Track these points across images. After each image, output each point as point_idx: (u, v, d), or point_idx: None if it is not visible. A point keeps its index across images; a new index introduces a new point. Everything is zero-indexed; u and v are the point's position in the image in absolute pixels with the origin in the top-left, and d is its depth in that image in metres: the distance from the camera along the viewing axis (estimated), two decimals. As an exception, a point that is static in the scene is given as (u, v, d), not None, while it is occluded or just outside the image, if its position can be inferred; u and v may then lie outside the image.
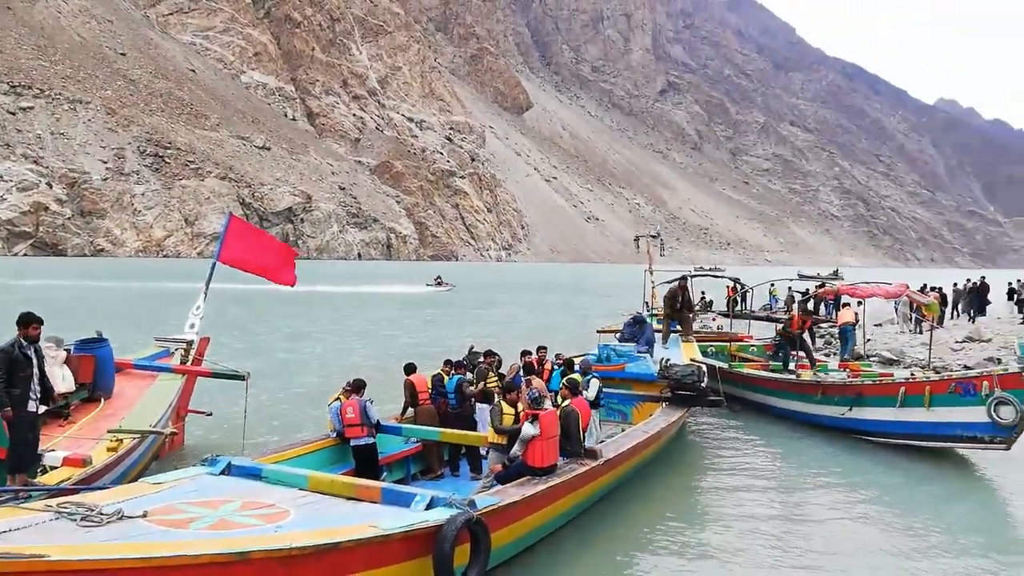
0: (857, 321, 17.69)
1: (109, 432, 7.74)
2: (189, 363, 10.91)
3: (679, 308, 16.84)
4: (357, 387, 8.64)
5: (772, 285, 30.50)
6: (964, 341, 20.87)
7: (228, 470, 6.56)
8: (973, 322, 26.65)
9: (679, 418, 11.01)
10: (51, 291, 44.02)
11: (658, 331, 16.19)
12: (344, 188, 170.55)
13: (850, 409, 11.95)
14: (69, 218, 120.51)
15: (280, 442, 9.86)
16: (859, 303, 18.09)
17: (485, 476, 8.09)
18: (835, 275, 19.45)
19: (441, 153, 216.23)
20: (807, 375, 13.77)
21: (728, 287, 30.61)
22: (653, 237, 22.41)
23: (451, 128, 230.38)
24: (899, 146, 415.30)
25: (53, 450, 6.98)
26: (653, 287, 20.23)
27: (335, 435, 8.57)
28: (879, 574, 6.99)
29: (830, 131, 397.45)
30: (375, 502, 5.99)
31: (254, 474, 6.53)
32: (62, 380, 8.57)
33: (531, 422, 7.28)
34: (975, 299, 28.77)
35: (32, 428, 6.65)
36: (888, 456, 11.13)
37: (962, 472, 10.57)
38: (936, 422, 10.76)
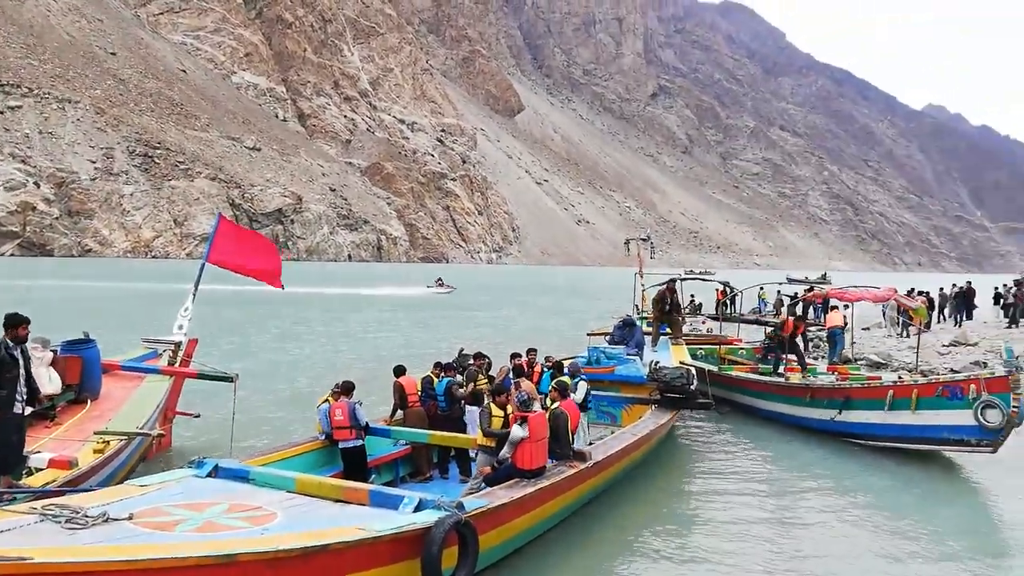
0: (845, 325, 17.81)
1: (96, 434, 7.66)
2: (177, 364, 10.85)
3: (668, 311, 16.88)
4: (346, 389, 8.60)
5: (761, 289, 30.65)
6: (951, 345, 21.02)
7: (215, 472, 6.52)
8: (960, 326, 26.85)
9: (668, 421, 11.02)
10: (38, 291, 43.66)
11: (648, 334, 16.24)
12: (335, 189, 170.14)
13: (839, 412, 12.01)
14: (57, 218, 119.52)
15: (268, 444, 9.82)
16: (847, 307, 18.25)
17: (474, 478, 8.07)
18: (823, 279, 19.63)
19: (432, 155, 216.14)
20: (796, 378, 13.82)
21: (717, 290, 30.84)
22: (643, 240, 22.54)
23: (442, 130, 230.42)
24: (887, 151, 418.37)
25: (39, 452, 6.90)
26: (643, 290, 20.29)
27: (324, 437, 8.52)
28: (866, 577, 7.02)
29: (819, 136, 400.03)
30: (363, 504, 5.96)
31: (241, 476, 6.49)
32: (48, 381, 8.47)
33: (520, 424, 7.28)
34: (962, 303, 28.98)
35: (18, 430, 6.58)
36: (876, 459, 11.19)
37: (949, 475, 10.64)
38: (923, 425, 10.83)
